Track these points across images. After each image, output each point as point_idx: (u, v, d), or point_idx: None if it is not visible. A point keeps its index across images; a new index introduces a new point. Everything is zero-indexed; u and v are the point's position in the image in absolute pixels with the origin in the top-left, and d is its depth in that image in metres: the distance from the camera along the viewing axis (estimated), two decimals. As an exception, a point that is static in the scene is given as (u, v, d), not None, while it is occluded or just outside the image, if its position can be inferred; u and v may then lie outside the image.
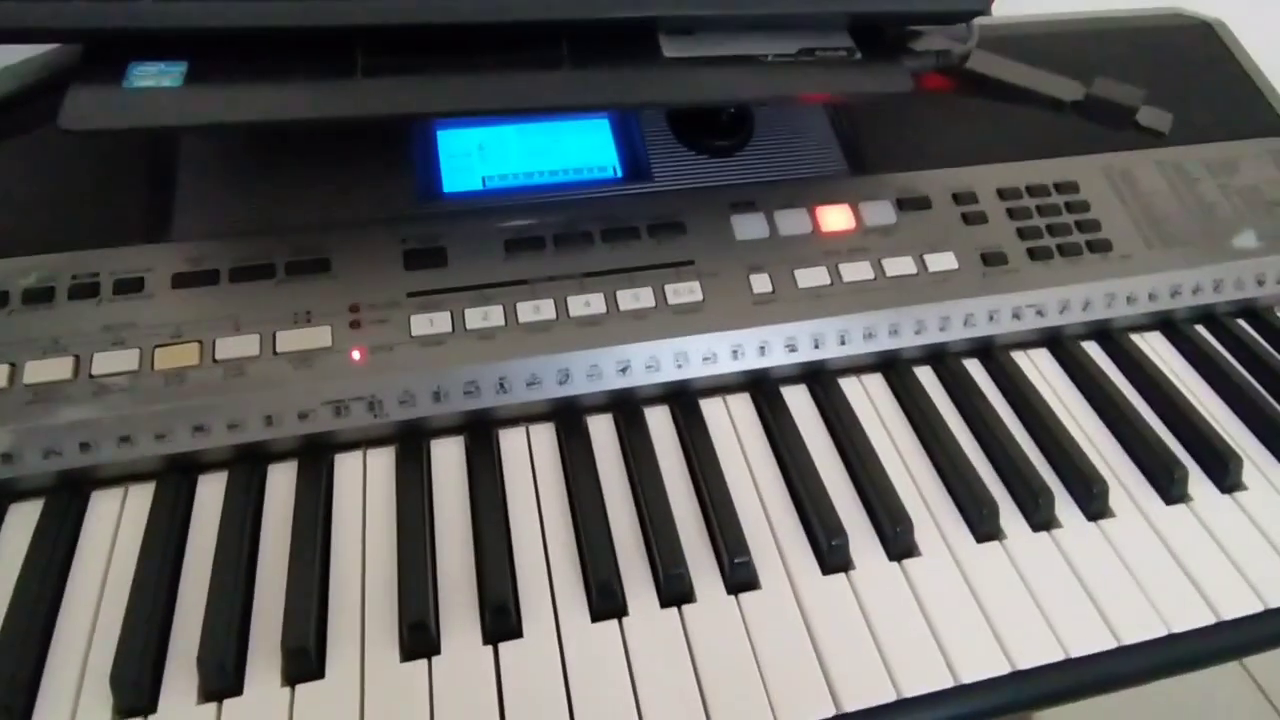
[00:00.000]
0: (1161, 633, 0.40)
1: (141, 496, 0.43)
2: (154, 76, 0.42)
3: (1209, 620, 0.40)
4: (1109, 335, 0.54)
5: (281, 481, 0.44)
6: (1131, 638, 0.39)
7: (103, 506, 0.42)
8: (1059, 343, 0.53)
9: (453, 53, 0.44)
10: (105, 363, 0.43)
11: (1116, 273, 0.53)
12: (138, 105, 0.41)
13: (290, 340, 0.44)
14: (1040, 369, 0.52)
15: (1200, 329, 0.55)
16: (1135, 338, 0.54)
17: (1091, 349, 0.53)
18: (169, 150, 0.50)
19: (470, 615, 0.39)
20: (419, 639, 0.37)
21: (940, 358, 0.52)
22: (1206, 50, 0.68)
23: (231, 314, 0.45)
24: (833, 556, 0.41)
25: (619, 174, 0.56)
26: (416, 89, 0.43)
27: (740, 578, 0.40)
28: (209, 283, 0.46)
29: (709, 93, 0.46)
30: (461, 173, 0.55)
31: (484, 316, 0.46)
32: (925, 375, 0.51)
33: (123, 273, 0.45)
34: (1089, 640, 0.39)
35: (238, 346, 0.44)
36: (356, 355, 0.44)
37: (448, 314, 0.46)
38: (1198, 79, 0.65)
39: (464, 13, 0.43)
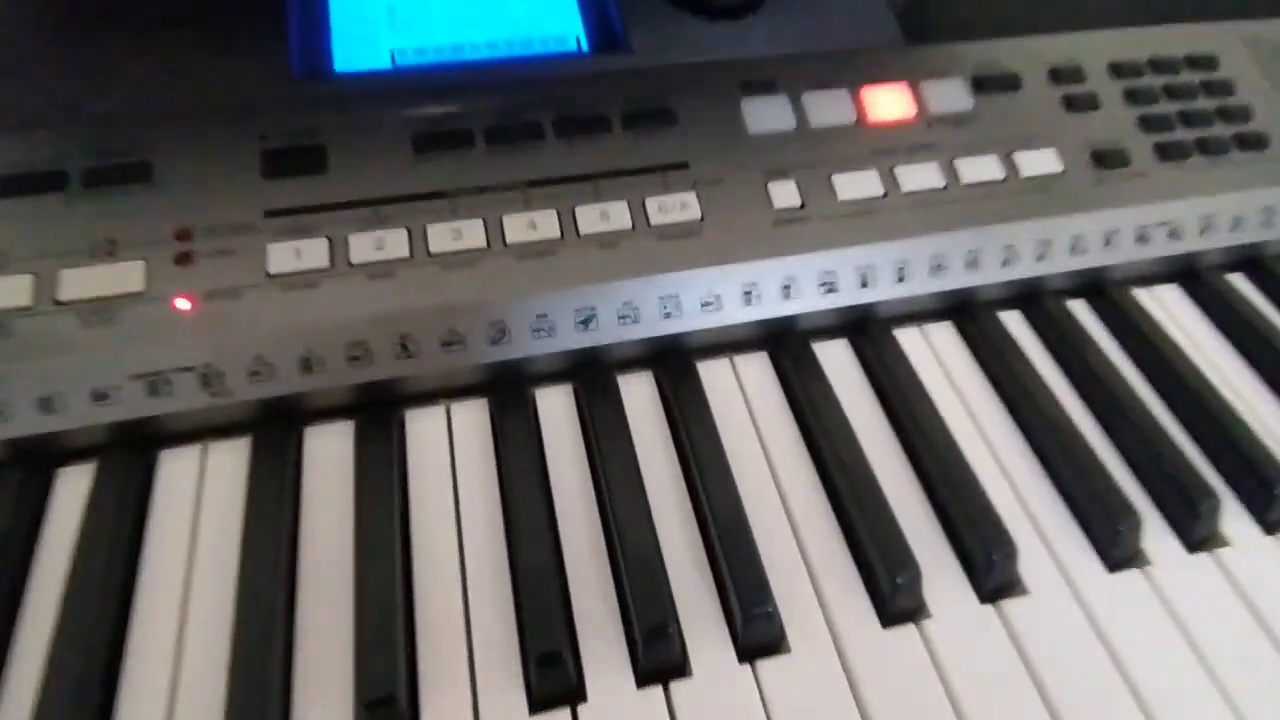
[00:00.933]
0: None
1: None
2: None
3: None
4: (1261, 266, 0.43)
5: (73, 491, 0.30)
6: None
7: None
8: (1196, 276, 0.42)
9: None
10: None
11: (1275, 178, 0.41)
12: None
13: (82, 282, 0.31)
14: (1172, 313, 0.41)
15: (1388, 255, 0.42)
16: (1299, 269, 0.42)
17: (1241, 284, 0.43)
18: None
19: (342, 706, 0.26)
20: (250, 753, 0.24)
21: (1035, 298, 0.40)
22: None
23: (-4, 244, 0.31)
24: (897, 600, 0.29)
25: (583, 46, 0.41)
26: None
27: (758, 636, 0.28)
28: (-33, 199, 0.31)
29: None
30: (361, 45, 0.40)
31: (378, 244, 0.32)
32: (1014, 322, 0.39)
33: None
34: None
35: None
36: (184, 304, 0.31)
37: (324, 242, 0.33)
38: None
39: None
